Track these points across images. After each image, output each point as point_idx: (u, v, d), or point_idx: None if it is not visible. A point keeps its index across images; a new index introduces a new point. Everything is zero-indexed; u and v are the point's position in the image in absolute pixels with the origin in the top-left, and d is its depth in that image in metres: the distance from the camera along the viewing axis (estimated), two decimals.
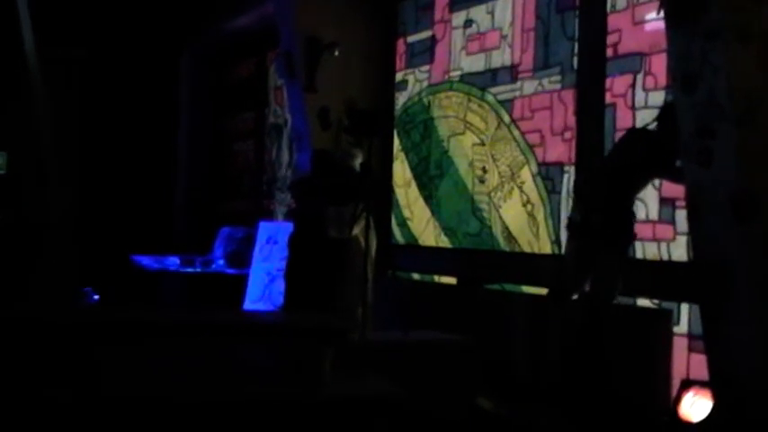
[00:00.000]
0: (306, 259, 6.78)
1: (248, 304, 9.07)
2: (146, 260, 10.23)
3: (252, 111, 11.78)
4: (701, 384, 5.31)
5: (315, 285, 6.62)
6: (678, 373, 5.75)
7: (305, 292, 6.67)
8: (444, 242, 8.15)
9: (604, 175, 5.57)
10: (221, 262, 10.23)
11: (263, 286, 9.14)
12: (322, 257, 6.71)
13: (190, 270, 10.00)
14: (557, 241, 6.91)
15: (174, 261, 10.19)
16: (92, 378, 4.03)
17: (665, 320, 5.85)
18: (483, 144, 7.70)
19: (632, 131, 5.79)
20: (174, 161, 12.70)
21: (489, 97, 7.65)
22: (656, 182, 5.92)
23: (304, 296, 6.66)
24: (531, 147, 7.20)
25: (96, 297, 9.91)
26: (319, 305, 6.38)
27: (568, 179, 6.82)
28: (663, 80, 6.05)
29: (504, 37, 7.55)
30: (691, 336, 5.80)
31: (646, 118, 6.14)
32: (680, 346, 5.83)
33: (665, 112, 5.44)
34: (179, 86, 12.77)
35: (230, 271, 9.93)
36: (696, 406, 5.33)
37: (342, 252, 6.69)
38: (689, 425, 5.31)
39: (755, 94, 4.67)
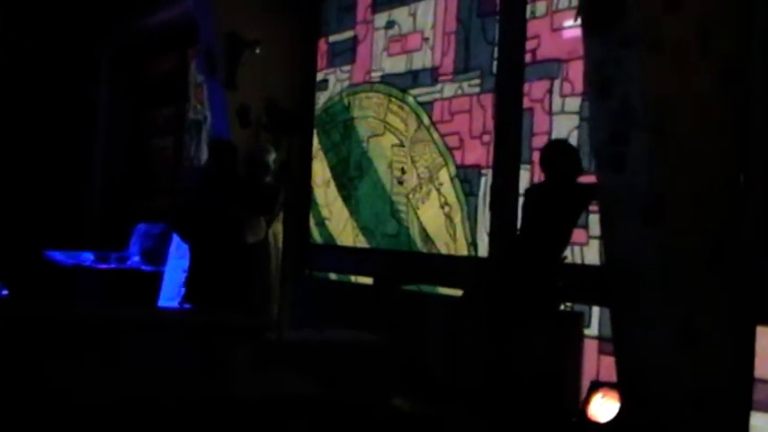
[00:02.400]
0: (217, 261, 6.64)
1: (163, 301, 8.97)
2: (59, 256, 10.05)
3: (172, 106, 11.65)
4: (609, 386, 5.42)
5: (224, 285, 6.52)
6: (588, 374, 5.85)
7: (212, 290, 6.55)
8: (362, 242, 8.17)
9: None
10: (137, 258, 10.10)
11: (179, 284, 9.05)
12: (234, 261, 6.60)
13: (104, 266, 9.86)
14: (473, 243, 6.97)
15: (88, 257, 10.03)
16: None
17: (576, 323, 5.95)
18: (402, 145, 7.73)
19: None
20: (90, 157, 12.50)
21: (410, 99, 7.69)
22: None
23: (211, 294, 6.54)
24: (449, 149, 7.26)
25: (5, 292, 9.69)
26: (227, 303, 6.30)
27: (486, 182, 6.89)
28: (579, 86, 6.14)
29: (425, 39, 7.60)
30: (601, 338, 5.91)
31: (562, 123, 6.26)
32: (590, 348, 5.94)
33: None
34: (97, 81, 12.56)
35: (146, 268, 9.81)
36: (604, 407, 5.43)
37: (255, 255, 6.63)
38: (597, 425, 5.41)
39: (668, 102, 4.78)
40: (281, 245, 6.75)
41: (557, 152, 5.74)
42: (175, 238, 9.24)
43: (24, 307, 5.04)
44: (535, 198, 5.71)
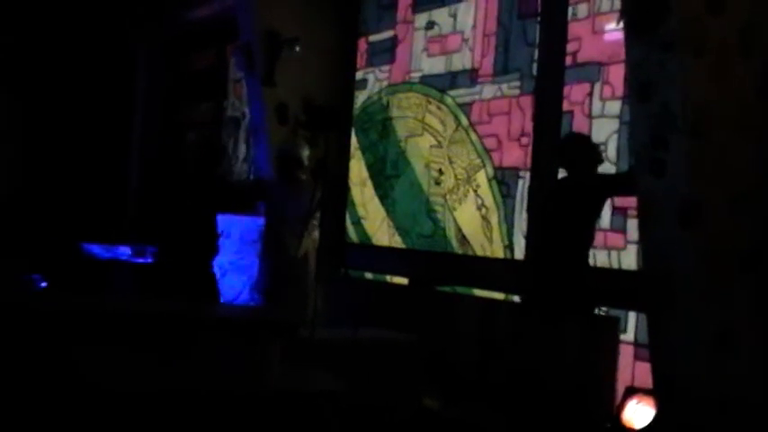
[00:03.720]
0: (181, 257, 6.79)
1: None
2: (96, 249, 10.12)
3: (209, 102, 11.70)
4: (644, 392, 5.38)
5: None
6: (623, 380, 5.81)
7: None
8: (398, 242, 8.17)
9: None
10: None
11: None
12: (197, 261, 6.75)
13: (141, 261, 9.91)
14: (509, 245, 6.94)
15: (125, 251, 10.09)
16: (39, 366, 3.99)
17: (612, 327, 5.91)
18: (440, 146, 7.72)
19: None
20: (127, 150, 12.58)
21: (448, 100, 7.67)
22: None
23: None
24: (487, 151, 7.24)
25: (44, 284, 9.78)
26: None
27: (523, 184, 6.87)
28: (620, 90, 6.11)
29: (465, 40, 7.58)
30: (637, 344, 5.86)
31: (602, 126, 6.22)
32: (626, 353, 5.89)
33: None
34: (136, 74, 12.65)
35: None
36: (639, 413, 5.39)
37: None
38: (631, 431, 5.37)
39: (708, 107, 4.74)
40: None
41: (572, 145, 5.75)
42: None
43: (63, 299, 5.09)
44: (556, 194, 5.69)
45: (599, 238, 6.05)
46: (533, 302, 5.73)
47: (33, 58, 11.72)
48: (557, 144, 6.12)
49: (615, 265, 6.09)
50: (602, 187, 5.65)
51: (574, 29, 6.55)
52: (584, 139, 5.86)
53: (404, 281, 7.98)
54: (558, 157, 5.84)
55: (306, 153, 6.96)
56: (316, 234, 6.78)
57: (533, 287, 5.73)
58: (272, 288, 6.99)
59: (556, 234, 5.54)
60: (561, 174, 6.40)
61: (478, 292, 7.20)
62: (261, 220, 7.54)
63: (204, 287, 6.81)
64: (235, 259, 8.52)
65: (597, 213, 5.64)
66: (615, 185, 5.72)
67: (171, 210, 6.84)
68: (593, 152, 5.66)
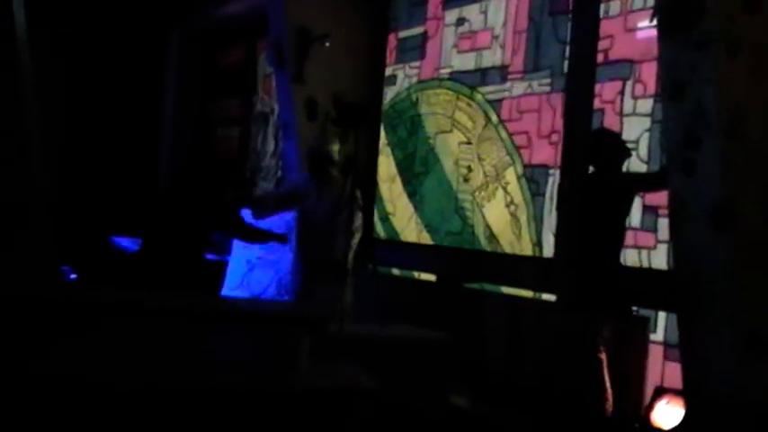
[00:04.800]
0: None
1: (227, 291, 9.04)
2: (125, 242, 10.17)
3: (239, 97, 11.73)
4: (674, 392, 5.35)
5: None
6: (652, 380, 5.78)
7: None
8: (426, 239, 8.16)
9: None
10: None
11: (242, 274, 9.10)
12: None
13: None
14: (538, 243, 6.92)
15: None
16: (59, 358, 4.01)
17: (642, 327, 5.87)
18: (469, 143, 7.70)
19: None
20: (157, 143, 12.63)
21: (478, 96, 7.66)
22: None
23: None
24: (517, 148, 7.21)
25: (74, 276, 9.84)
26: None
27: (553, 182, 6.84)
28: (652, 88, 6.07)
29: (495, 37, 7.56)
30: (666, 344, 5.83)
31: (633, 125, 6.18)
32: (655, 353, 5.86)
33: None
34: (167, 69, 12.69)
35: (210, 257, 9.89)
36: (668, 413, 5.37)
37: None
38: None
39: (742, 107, 4.70)
40: (354, 240, 6.80)
41: (598, 140, 5.72)
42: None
43: (92, 292, 5.12)
44: (585, 191, 5.65)
45: (629, 237, 6.02)
46: (567, 301, 5.70)
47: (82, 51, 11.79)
48: (586, 140, 6.08)
49: (645, 265, 6.06)
50: (631, 186, 5.62)
51: (605, 26, 6.52)
52: (612, 135, 5.82)
53: (431, 278, 7.98)
54: (586, 153, 5.80)
55: (336, 149, 6.97)
56: (358, 233, 6.79)
57: (568, 286, 5.69)
58: (301, 284, 7.01)
59: (587, 232, 5.50)
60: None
61: (506, 290, 7.18)
62: (289, 216, 7.55)
63: (193, 277, 6.88)
64: (263, 254, 8.55)
65: (626, 212, 5.60)
66: (645, 184, 5.68)
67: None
68: (620, 147, 5.62)
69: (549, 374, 6.14)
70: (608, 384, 5.35)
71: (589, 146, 5.81)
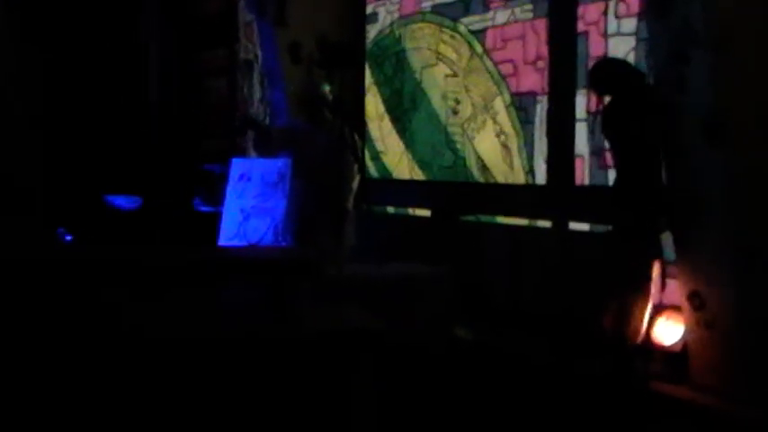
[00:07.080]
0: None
1: (223, 241, 9.04)
2: (119, 200, 10.15)
3: (223, 47, 11.61)
4: (672, 309, 5.38)
5: None
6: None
7: None
8: (418, 175, 8.15)
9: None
10: (195, 200, 10.15)
11: (238, 224, 9.09)
12: None
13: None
14: (531, 171, 6.91)
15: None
16: (71, 317, 4.01)
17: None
18: (456, 75, 7.66)
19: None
20: (144, 99, 12.53)
21: (461, 28, 7.59)
22: None
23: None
24: (503, 77, 7.17)
25: (69, 238, 9.84)
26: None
27: (541, 109, 6.81)
28: (635, 7, 6.01)
29: None
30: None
31: (618, 45, 6.12)
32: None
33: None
34: (146, 24, 12.54)
35: (204, 209, 9.87)
36: (668, 330, 5.40)
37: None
38: (661, 349, 5.39)
39: (730, 20, 4.66)
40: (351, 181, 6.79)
41: (610, 68, 5.57)
42: (232, 179, 9.29)
43: (89, 250, 5.11)
44: (609, 125, 5.46)
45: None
46: (624, 230, 5.49)
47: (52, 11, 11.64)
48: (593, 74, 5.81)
49: None
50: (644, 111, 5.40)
51: None
52: (618, 60, 5.67)
53: (427, 213, 7.98)
54: (597, 85, 5.57)
55: (328, 89, 6.91)
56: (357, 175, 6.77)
57: (624, 216, 5.43)
58: (298, 229, 7.01)
59: (628, 160, 5.34)
60: (579, 97, 6.35)
61: (502, 220, 7.19)
62: (281, 162, 7.52)
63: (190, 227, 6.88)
64: (257, 203, 8.53)
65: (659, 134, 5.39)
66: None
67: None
68: (633, 69, 5.45)
69: (559, 300, 6.16)
70: (646, 315, 5.27)
71: (599, 78, 5.58)
